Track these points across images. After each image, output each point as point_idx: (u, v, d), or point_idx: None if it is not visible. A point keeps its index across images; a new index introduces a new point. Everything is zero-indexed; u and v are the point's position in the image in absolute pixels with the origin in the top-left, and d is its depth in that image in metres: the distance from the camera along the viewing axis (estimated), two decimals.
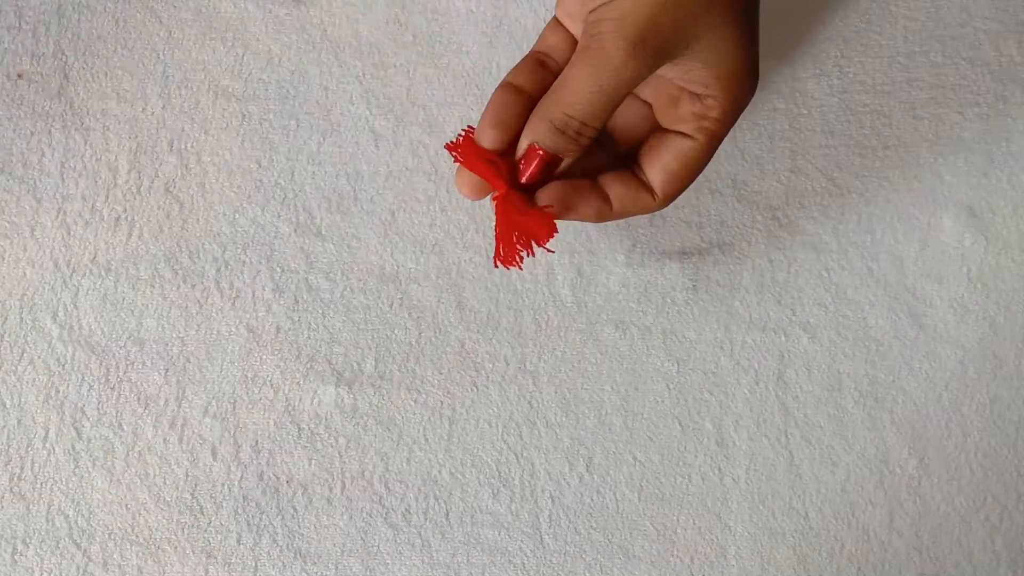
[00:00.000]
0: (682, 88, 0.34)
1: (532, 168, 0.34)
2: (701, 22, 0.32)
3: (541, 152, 0.33)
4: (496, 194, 0.34)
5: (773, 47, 0.42)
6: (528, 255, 0.34)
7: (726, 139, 0.42)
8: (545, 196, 0.34)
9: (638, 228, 0.42)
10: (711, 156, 0.35)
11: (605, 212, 0.35)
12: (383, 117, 0.41)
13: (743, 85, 0.34)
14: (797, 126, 0.42)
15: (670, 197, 0.35)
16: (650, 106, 0.36)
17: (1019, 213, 0.43)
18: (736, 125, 0.41)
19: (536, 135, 0.33)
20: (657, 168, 0.35)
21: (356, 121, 0.41)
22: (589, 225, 0.41)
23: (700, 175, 0.35)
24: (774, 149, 0.42)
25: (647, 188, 0.35)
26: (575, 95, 0.32)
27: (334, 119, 0.41)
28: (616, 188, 0.35)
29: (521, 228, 0.34)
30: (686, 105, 0.34)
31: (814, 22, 0.42)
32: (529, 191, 0.34)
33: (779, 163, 0.42)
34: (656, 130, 0.36)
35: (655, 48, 0.31)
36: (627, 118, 0.36)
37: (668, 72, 0.33)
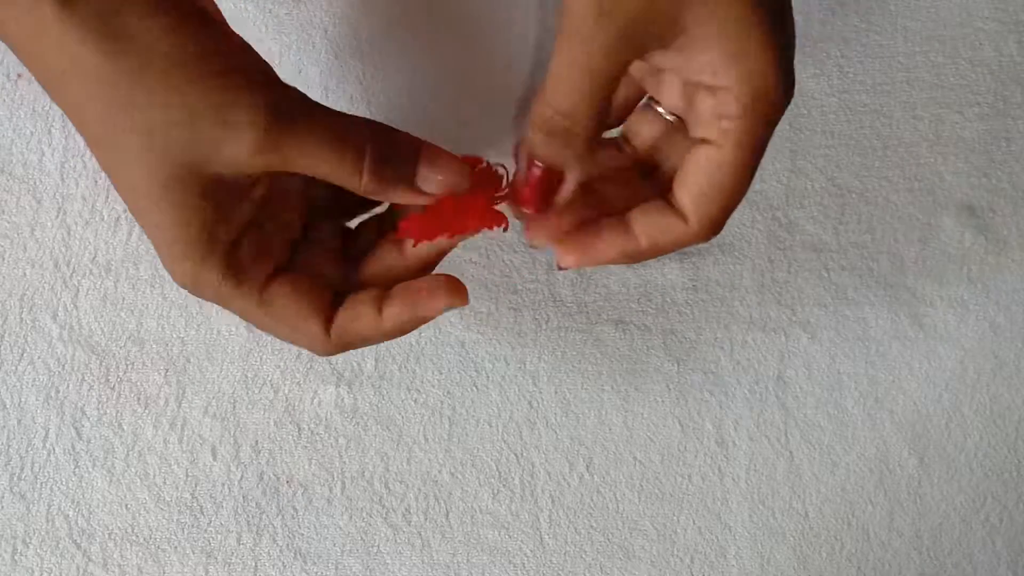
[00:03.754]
0: (697, 83, 0.29)
1: (531, 186, 0.30)
2: None
3: (538, 167, 0.30)
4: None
5: None
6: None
7: None
8: (564, 244, 0.30)
9: None
10: (747, 167, 0.29)
11: (632, 250, 0.30)
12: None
13: (764, 71, 0.28)
14: (797, 126, 0.42)
15: (707, 220, 0.30)
16: (683, 121, 0.32)
17: (1019, 213, 0.43)
18: None
19: (527, 143, 0.30)
20: (684, 187, 0.30)
21: None
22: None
23: (743, 196, 0.30)
24: (774, 149, 0.42)
25: (678, 214, 0.30)
26: (551, 83, 0.28)
27: None
28: (642, 220, 0.30)
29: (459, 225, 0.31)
30: (703, 102, 0.29)
31: (814, 22, 0.42)
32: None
33: (779, 163, 0.42)
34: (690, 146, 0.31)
35: (629, 13, 0.27)
36: (665, 141, 0.32)
37: (672, 61, 0.29)
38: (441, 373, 0.41)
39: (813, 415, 0.42)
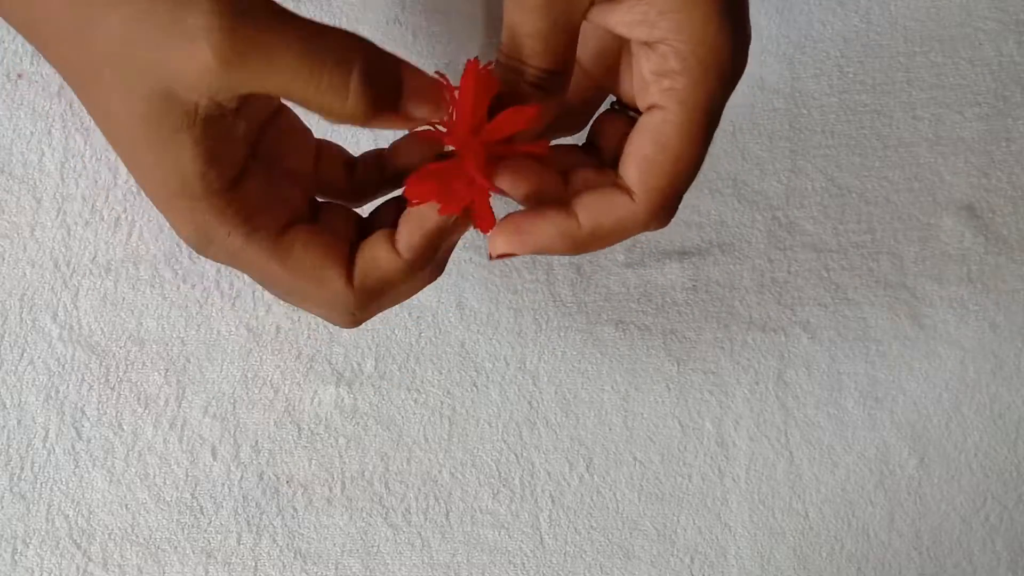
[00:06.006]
0: (639, 43, 0.27)
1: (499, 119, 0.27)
2: None
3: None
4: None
5: (773, 47, 0.42)
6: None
7: (726, 138, 0.42)
8: (497, 228, 0.28)
9: None
10: (694, 128, 0.26)
11: (572, 231, 0.27)
12: None
13: (704, 19, 0.25)
14: (797, 126, 0.42)
15: (654, 193, 0.27)
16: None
17: (1019, 213, 0.43)
18: (736, 125, 0.41)
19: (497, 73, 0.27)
20: (629, 158, 0.27)
21: None
22: None
23: (695, 168, 0.27)
24: (774, 149, 0.42)
25: (624, 190, 0.27)
26: (509, 23, 0.26)
27: None
28: (585, 200, 0.27)
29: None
30: (645, 63, 0.27)
31: (814, 22, 0.42)
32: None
33: (779, 163, 0.42)
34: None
35: None
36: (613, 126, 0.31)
37: (611, 16, 0.26)
38: (441, 373, 0.41)
39: (813, 415, 0.42)
